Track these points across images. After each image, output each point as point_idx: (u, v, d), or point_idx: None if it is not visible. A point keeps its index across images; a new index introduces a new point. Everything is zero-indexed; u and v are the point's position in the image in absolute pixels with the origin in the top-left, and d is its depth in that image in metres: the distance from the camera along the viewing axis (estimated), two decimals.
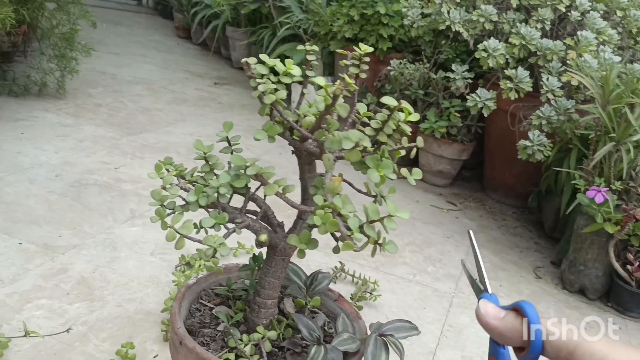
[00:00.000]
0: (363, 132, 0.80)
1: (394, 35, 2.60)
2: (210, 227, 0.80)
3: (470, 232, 0.67)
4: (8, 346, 1.14)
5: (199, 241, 0.79)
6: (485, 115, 1.99)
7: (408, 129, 0.82)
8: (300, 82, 0.86)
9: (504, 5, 2.05)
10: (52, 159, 2.05)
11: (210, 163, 0.87)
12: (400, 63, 2.38)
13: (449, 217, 2.25)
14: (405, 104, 0.77)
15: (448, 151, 2.43)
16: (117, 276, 1.47)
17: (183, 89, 3.33)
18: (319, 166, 0.86)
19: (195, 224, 0.81)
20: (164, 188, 0.82)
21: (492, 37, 1.94)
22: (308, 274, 0.99)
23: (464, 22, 2.02)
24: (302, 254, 0.81)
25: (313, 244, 0.80)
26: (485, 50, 1.90)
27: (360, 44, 0.96)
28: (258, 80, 0.79)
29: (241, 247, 1.67)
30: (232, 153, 0.91)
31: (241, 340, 0.86)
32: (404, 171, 0.88)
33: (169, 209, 0.84)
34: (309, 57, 0.88)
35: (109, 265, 1.51)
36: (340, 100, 0.78)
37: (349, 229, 0.75)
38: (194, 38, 4.68)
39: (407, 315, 1.53)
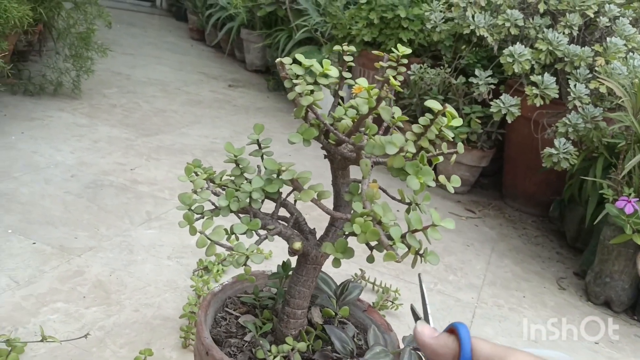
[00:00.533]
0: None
1: (414, 39, 2.57)
2: (242, 234, 0.76)
3: (420, 275, 0.68)
4: (24, 351, 1.11)
5: (231, 248, 0.75)
6: (509, 121, 1.95)
7: (451, 135, 0.78)
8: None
9: (530, 10, 2.01)
10: (67, 159, 2.03)
11: (240, 166, 0.84)
12: (421, 68, 2.34)
13: (468, 224, 2.21)
14: (449, 108, 0.73)
15: (467, 158, 2.38)
16: (134, 280, 1.43)
17: (198, 91, 3.31)
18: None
19: (225, 230, 0.77)
20: (194, 192, 0.78)
21: (517, 43, 1.89)
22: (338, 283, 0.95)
23: (488, 27, 1.98)
24: (337, 263, 0.77)
25: (349, 253, 0.77)
26: (510, 55, 1.86)
27: (399, 46, 0.92)
28: (295, 81, 0.75)
29: (259, 251, 1.63)
30: (262, 157, 0.88)
31: (270, 351, 0.82)
32: (442, 178, 0.84)
33: (197, 214, 0.81)
34: (346, 58, 0.85)
35: (126, 269, 1.47)
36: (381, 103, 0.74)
37: (390, 238, 0.71)
38: (208, 40, 4.67)
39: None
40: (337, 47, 0.85)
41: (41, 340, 1.08)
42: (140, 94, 2.99)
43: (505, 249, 2.06)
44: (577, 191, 2.00)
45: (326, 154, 0.86)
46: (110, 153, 2.16)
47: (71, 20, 2.60)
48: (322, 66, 0.79)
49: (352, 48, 0.86)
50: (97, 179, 1.92)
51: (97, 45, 2.63)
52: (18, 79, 2.59)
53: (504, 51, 1.91)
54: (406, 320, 1.49)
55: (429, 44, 2.58)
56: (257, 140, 0.87)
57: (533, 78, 1.87)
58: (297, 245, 0.77)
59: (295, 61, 0.81)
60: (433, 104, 0.73)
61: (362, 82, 0.73)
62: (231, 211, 0.78)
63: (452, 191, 0.85)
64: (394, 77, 0.94)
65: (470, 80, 2.15)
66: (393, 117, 0.96)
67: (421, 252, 0.72)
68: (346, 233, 0.80)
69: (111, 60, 3.27)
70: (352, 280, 0.96)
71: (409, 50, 0.90)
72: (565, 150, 1.81)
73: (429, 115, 0.75)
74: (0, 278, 1.33)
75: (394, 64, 0.92)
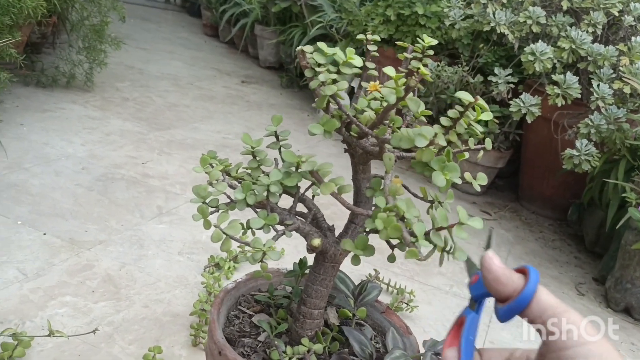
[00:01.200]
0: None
1: (431, 37, 2.52)
2: (259, 229, 0.73)
3: (492, 229, 0.62)
4: (31, 345, 1.08)
5: (247, 244, 0.71)
6: (529, 121, 1.90)
7: (480, 129, 0.74)
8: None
9: (552, 8, 1.96)
10: (79, 152, 2.00)
11: (258, 159, 0.80)
12: (438, 66, 2.30)
13: (485, 225, 2.16)
14: (481, 101, 0.69)
15: (484, 158, 2.34)
16: (144, 275, 1.41)
17: (210, 87, 3.28)
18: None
19: (241, 224, 0.74)
20: (210, 184, 0.75)
21: (539, 41, 1.84)
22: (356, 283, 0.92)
23: (509, 24, 1.93)
24: (357, 260, 0.73)
25: (370, 250, 0.73)
26: (532, 53, 1.81)
27: (424, 36, 0.88)
28: (318, 69, 0.72)
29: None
30: (280, 149, 0.84)
31: (285, 353, 0.79)
32: (467, 176, 0.81)
33: (212, 207, 0.77)
34: (370, 48, 0.81)
35: (136, 264, 1.45)
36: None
37: (413, 235, 0.68)
38: (222, 36, 4.64)
39: (446, 329, 1.45)
40: (361, 36, 0.82)
41: (48, 335, 1.06)
42: (153, 88, 2.97)
43: (522, 252, 2.01)
44: (598, 194, 1.95)
45: (347, 147, 0.82)
46: (122, 146, 2.13)
47: (85, 12, 2.58)
48: (346, 55, 0.75)
49: (377, 37, 0.82)
50: (108, 172, 1.90)
51: (111, 38, 2.60)
52: (31, 70, 2.58)
53: (525, 49, 1.86)
54: (422, 324, 1.45)
55: (447, 41, 2.53)
56: (275, 132, 0.84)
57: (555, 77, 1.82)
58: (317, 242, 0.74)
59: (317, 49, 0.78)
60: (464, 95, 0.69)
61: (389, 70, 0.69)
62: (247, 205, 0.74)
63: (478, 189, 0.81)
64: (418, 69, 0.90)
65: (488, 79, 2.10)
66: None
67: (447, 248, 0.69)
68: (367, 230, 0.77)
69: (124, 54, 3.25)
70: (370, 280, 0.92)
71: (435, 41, 0.86)
72: (587, 152, 1.76)
73: (458, 108, 0.71)
74: (8, 270, 1.31)
75: (419, 55, 0.88)
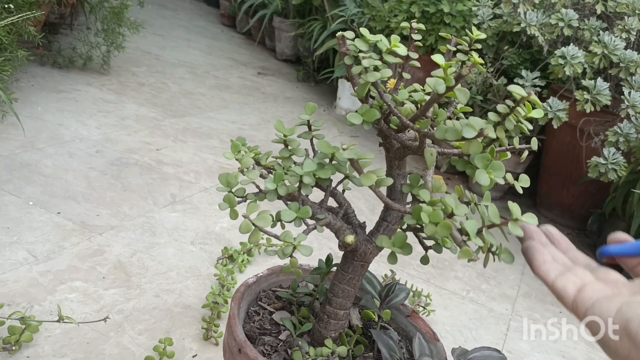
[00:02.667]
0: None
1: (456, 36, 2.47)
2: (289, 222, 0.69)
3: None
4: (38, 330, 1.04)
5: (276, 237, 0.67)
6: (555, 126, 1.85)
7: (529, 127, 0.70)
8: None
9: (585, 11, 1.90)
10: (93, 135, 1.97)
11: (290, 148, 0.76)
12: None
13: (501, 233, 2.11)
14: (534, 96, 0.65)
15: (505, 160, 2.28)
16: (155, 264, 1.37)
17: (226, 76, 3.24)
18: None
19: (271, 216, 0.70)
20: (241, 171, 0.71)
21: (571, 44, 1.79)
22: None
23: (540, 26, 1.88)
24: (393, 259, 0.69)
25: (407, 248, 0.69)
26: (562, 57, 1.76)
27: (473, 29, 0.84)
28: (362, 55, 0.68)
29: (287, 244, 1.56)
30: (312, 139, 0.80)
31: (308, 354, 0.75)
32: (509, 177, 0.77)
33: (239, 197, 0.73)
34: (414, 37, 0.77)
35: (148, 251, 1.41)
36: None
37: (463, 233, 0.64)
38: (239, 27, 4.60)
39: (463, 335, 1.40)
40: (404, 24, 0.77)
41: (58, 320, 1.02)
42: (169, 75, 2.93)
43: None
44: (621, 205, 1.90)
45: (382, 141, 0.78)
46: (137, 131, 2.10)
47: None
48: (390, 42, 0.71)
49: (421, 26, 0.78)
50: (122, 156, 1.86)
51: (130, 22, 2.57)
52: (47, 50, 2.55)
53: (555, 52, 1.80)
54: (438, 329, 1.40)
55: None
56: (308, 121, 0.79)
57: (585, 82, 1.77)
58: (350, 238, 0.69)
59: (358, 35, 0.74)
60: (516, 89, 0.65)
61: (438, 58, 0.65)
62: (279, 196, 0.70)
63: (521, 192, 0.77)
64: (463, 62, 0.86)
65: (515, 81, 2.05)
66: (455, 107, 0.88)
67: (494, 249, 0.65)
68: (404, 227, 0.72)
69: (141, 39, 3.21)
70: (399, 282, 0.88)
71: (483, 35, 0.82)
72: (614, 161, 1.71)
73: (509, 103, 0.67)
74: (18, 251, 1.28)
75: (466, 48, 0.83)
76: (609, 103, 1.77)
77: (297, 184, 0.70)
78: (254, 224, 0.67)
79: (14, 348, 1.00)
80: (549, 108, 1.82)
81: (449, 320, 1.46)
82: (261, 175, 0.74)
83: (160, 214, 1.59)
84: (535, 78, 1.97)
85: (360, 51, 0.72)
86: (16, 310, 1.06)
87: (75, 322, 1.03)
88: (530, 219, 0.60)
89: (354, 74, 0.69)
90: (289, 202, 0.71)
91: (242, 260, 1.44)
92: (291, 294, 0.85)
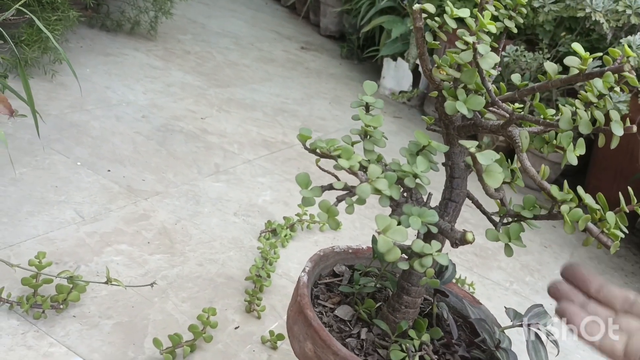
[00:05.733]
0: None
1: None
2: (416, 229, 0.64)
3: None
4: (85, 290, 1.05)
5: (409, 248, 0.62)
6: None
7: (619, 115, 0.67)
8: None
9: None
10: (139, 99, 1.96)
11: (370, 138, 0.71)
12: (517, 50, 2.17)
13: (546, 224, 2.05)
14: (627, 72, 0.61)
15: (552, 153, 2.21)
16: (199, 232, 1.36)
17: (270, 49, 3.21)
18: None
19: (398, 221, 0.64)
20: (375, 188, 0.62)
21: (638, 33, 1.70)
22: None
23: (605, 12, 1.79)
24: (509, 251, 0.67)
25: (521, 240, 0.67)
26: (629, 46, 1.67)
27: None
28: (466, 38, 0.64)
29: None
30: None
31: (414, 348, 0.71)
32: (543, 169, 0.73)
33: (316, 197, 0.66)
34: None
35: (191, 220, 1.40)
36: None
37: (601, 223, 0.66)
38: (283, 0, 4.55)
39: None
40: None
41: (105, 282, 1.02)
42: (214, 44, 2.91)
43: (586, 257, 1.90)
44: None
45: (440, 116, 0.75)
46: (182, 99, 2.09)
47: None
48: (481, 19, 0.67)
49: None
50: (167, 123, 1.86)
51: None
52: (96, 12, 2.54)
53: (621, 41, 1.72)
54: None
55: (526, 26, 2.39)
56: (367, 103, 0.74)
57: None
58: (471, 236, 0.64)
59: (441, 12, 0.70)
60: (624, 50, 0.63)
61: (578, 47, 0.63)
62: (391, 200, 0.64)
63: (575, 162, 0.79)
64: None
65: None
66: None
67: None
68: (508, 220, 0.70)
69: (187, 7, 3.19)
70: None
71: None
72: None
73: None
74: (66, 210, 1.28)
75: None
76: None
77: (413, 184, 0.65)
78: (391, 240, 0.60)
79: (61, 307, 1.00)
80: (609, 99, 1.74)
81: (493, 312, 1.42)
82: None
83: (204, 183, 1.58)
84: (596, 67, 1.88)
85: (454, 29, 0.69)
86: (65, 269, 1.06)
87: (123, 286, 1.03)
88: None
89: (458, 60, 0.65)
90: (402, 205, 0.66)
91: (285, 235, 1.42)
92: (351, 286, 0.82)
